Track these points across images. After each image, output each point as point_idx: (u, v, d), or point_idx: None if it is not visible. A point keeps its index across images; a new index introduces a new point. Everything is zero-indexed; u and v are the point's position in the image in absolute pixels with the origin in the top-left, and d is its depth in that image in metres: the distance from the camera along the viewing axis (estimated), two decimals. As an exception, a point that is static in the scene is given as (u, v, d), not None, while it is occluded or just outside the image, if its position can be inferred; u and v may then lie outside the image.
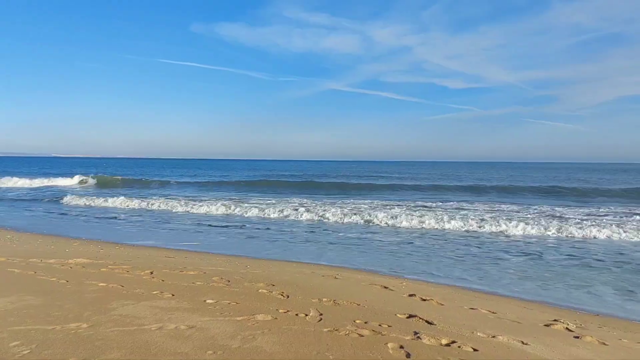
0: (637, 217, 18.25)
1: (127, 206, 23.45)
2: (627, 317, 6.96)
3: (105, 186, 40.53)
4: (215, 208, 21.48)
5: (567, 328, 5.33)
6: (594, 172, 78.14)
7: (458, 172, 75.15)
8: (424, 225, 16.57)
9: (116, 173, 59.55)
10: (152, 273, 7.41)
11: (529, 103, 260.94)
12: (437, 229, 16.14)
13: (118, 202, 24.56)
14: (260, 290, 6.30)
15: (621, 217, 18.44)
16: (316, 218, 18.64)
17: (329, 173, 68.65)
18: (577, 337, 4.91)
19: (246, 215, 19.77)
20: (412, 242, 13.40)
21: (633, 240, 13.91)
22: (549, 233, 14.96)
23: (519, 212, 20.30)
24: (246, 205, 22.26)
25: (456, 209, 21.61)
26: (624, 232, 14.54)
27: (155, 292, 5.92)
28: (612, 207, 22.51)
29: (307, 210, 19.79)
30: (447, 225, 16.36)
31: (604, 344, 4.78)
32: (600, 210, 21.24)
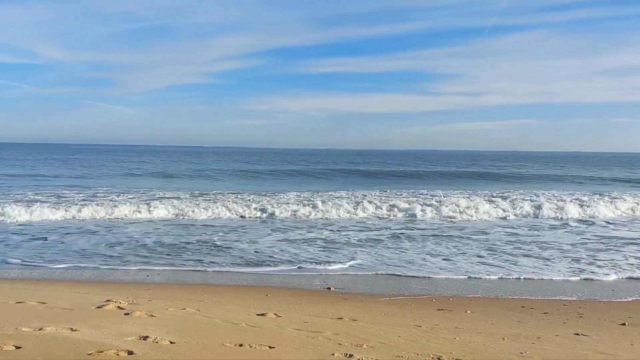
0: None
1: None
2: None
3: None
4: None
5: (118, 307, 5.46)
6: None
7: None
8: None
9: None
10: None
11: (85, 84, 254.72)
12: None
13: None
14: None
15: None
16: None
17: None
18: (128, 314, 5.10)
19: None
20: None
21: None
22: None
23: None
24: None
25: None
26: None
27: None
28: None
29: None
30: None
31: (152, 315, 5.12)
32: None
